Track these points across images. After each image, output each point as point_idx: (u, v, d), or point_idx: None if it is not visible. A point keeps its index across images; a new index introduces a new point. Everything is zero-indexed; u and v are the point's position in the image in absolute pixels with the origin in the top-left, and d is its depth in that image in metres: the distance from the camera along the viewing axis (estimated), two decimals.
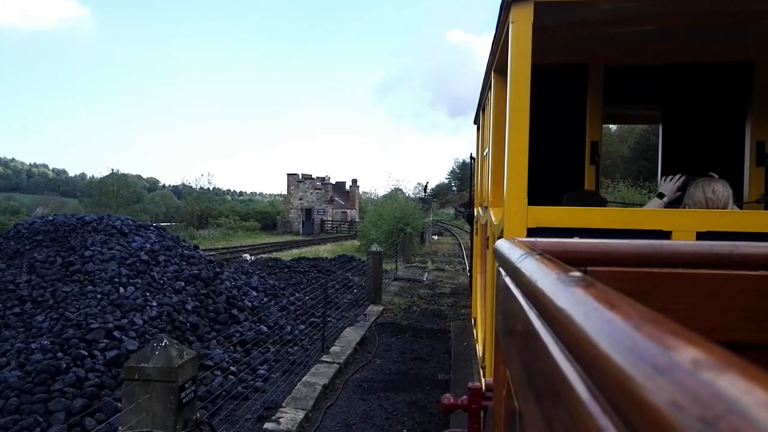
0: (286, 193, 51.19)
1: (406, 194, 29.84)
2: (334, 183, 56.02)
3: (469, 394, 1.70)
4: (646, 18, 2.96)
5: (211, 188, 55.83)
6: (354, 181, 56.30)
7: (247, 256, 20.28)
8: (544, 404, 0.49)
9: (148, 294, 5.98)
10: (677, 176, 2.91)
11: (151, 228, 8.21)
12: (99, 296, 5.70)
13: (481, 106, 4.81)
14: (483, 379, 2.95)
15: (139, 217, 41.44)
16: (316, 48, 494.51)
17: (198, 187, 52.66)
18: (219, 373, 5.36)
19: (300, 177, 50.79)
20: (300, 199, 50.09)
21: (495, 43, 2.98)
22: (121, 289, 5.90)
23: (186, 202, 51.00)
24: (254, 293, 7.62)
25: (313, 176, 51.27)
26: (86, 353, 4.70)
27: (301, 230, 47.39)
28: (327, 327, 7.76)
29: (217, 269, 7.44)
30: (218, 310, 6.45)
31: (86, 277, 6.16)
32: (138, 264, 6.61)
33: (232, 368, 5.61)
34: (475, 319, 5.10)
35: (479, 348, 4.15)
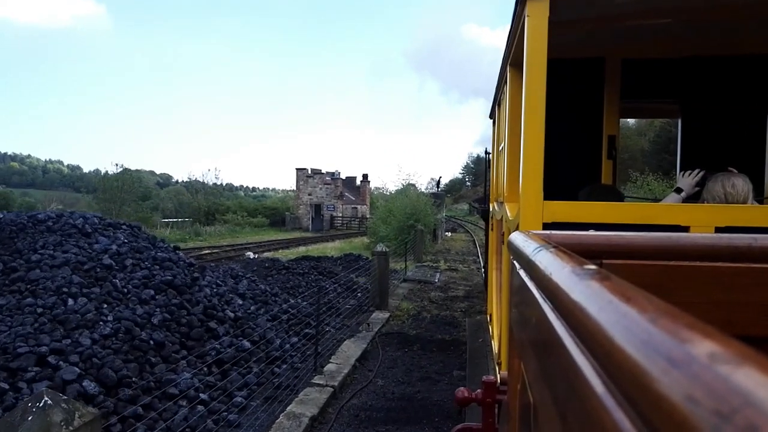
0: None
1: (419, 189, 28.76)
2: (344, 178, 54.83)
3: (484, 387, 1.62)
4: (663, 11, 3.00)
5: (218, 183, 55.14)
6: (365, 176, 55.22)
7: (251, 254, 19.56)
8: (559, 397, 0.49)
9: (105, 306, 5.05)
10: (695, 171, 2.93)
11: (123, 227, 7.24)
12: (39, 310, 4.71)
13: (497, 101, 4.84)
14: (498, 373, 2.82)
15: (146, 214, 40.79)
16: (326, 43, 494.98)
17: (211, 183, 51.90)
18: (185, 403, 4.36)
19: (309, 172, 50.10)
20: (309, 194, 49.35)
21: (511, 37, 3.02)
22: (70, 301, 4.97)
23: (193, 198, 50.15)
24: (239, 301, 6.68)
25: (323, 171, 50.11)
26: (7, 386, 3.73)
27: (310, 227, 46.69)
28: (323, 340, 6.76)
29: (196, 274, 6.50)
30: (192, 323, 5.50)
31: (28, 286, 5.19)
32: (98, 270, 5.67)
33: (202, 396, 4.64)
34: (490, 316, 5.13)
35: (495, 344, 4.19)
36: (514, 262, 0.97)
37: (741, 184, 2.64)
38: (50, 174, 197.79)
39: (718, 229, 2.18)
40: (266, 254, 22.91)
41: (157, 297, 5.94)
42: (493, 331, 4.64)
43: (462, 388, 1.76)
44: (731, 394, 0.22)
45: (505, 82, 3.65)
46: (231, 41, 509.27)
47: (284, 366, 6.12)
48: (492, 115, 5.71)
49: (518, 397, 0.96)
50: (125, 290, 5.77)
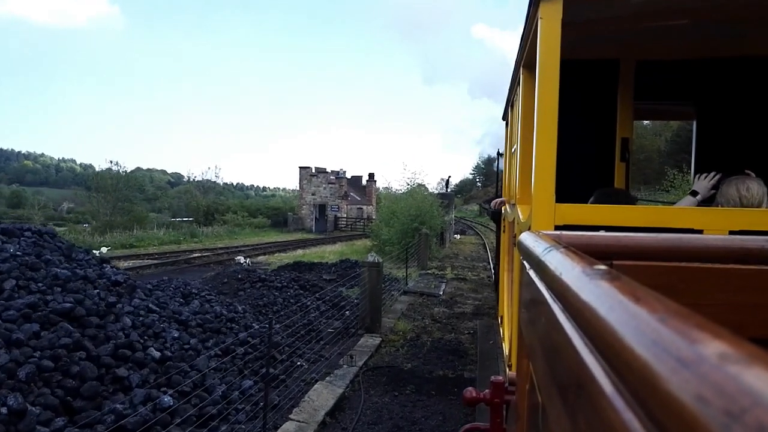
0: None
1: (428, 189, 26.97)
2: (349, 177, 52.98)
3: (492, 388, 1.66)
4: (679, 12, 2.96)
5: (218, 182, 53.54)
6: (371, 176, 53.09)
7: (242, 258, 17.96)
8: (568, 398, 0.50)
9: None
10: (711, 174, 2.92)
11: (26, 233, 5.55)
12: None
13: (510, 102, 4.79)
14: (507, 373, 2.86)
15: (141, 213, 39.34)
16: (338, 42, 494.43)
17: (221, 181, 50.33)
18: None
19: (313, 170, 48.15)
20: (312, 194, 47.88)
21: (524, 39, 2.99)
22: None
23: (191, 196, 48.63)
24: (174, 333, 4.90)
25: (327, 170, 48.16)
26: None
27: (313, 227, 45.03)
28: (290, 380, 5.12)
29: (112, 298, 4.69)
30: (85, 373, 3.73)
31: None
32: None
33: None
34: (501, 317, 4.99)
35: (506, 347, 4.05)
36: (524, 262, 0.98)
37: (756, 187, 2.63)
38: (63, 173, 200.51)
39: (732, 233, 2.14)
40: (261, 258, 21.43)
41: (42, 334, 4.23)
42: (504, 333, 4.60)
43: (470, 388, 1.75)
44: (741, 393, 0.23)
45: (518, 83, 3.67)
46: (244, 39, 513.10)
47: (223, 429, 4.37)
48: (505, 117, 5.67)
49: (527, 397, 0.96)
50: None
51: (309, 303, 8.69)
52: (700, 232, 2.17)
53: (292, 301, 9.07)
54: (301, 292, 10.16)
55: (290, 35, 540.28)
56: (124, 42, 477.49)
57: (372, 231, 24.06)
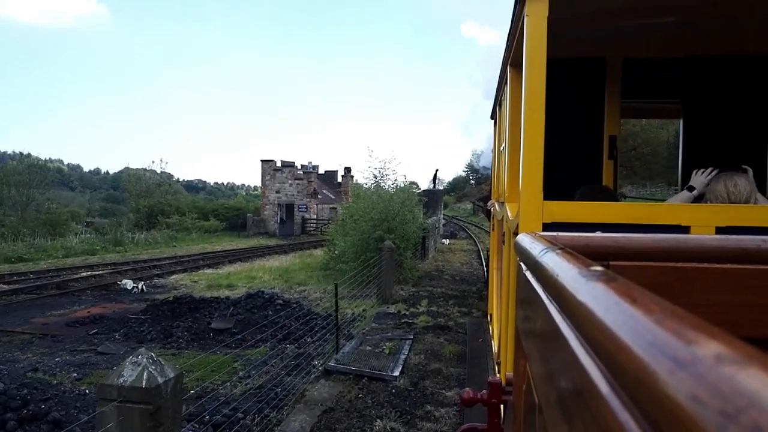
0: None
1: (420, 187, 20.96)
2: (323, 173, 46.02)
3: (489, 388, 1.60)
4: (665, 9, 2.99)
5: (160, 174, 46.71)
6: (347, 170, 44.44)
7: (129, 283, 12.01)
8: (564, 399, 0.50)
9: None
10: (709, 169, 2.88)
11: None
12: None
13: (498, 101, 4.79)
14: (504, 374, 2.79)
15: (59, 216, 33.10)
16: (330, 40, 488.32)
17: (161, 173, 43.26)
18: None
19: (278, 164, 40.81)
20: (277, 192, 41.09)
21: (510, 37, 2.98)
22: None
23: (131, 197, 42.05)
24: None
25: (295, 164, 41.02)
26: None
27: (277, 231, 38.22)
28: None
29: None
30: None
31: None
32: None
33: None
34: (490, 315, 5.09)
35: (495, 344, 4.12)
36: (521, 263, 0.97)
37: (743, 183, 2.60)
38: (50, 173, 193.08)
39: (719, 229, 2.17)
40: (175, 276, 15.57)
41: None
42: (493, 331, 4.55)
43: (468, 389, 1.70)
44: (736, 394, 0.23)
45: (506, 82, 3.62)
46: (234, 35, 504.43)
47: None
48: (493, 116, 5.64)
49: (523, 397, 0.95)
50: None
51: None
52: (687, 228, 2.16)
53: None
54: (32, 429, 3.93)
55: (287, 28, 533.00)
56: (113, 41, 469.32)
57: (329, 239, 16.90)
